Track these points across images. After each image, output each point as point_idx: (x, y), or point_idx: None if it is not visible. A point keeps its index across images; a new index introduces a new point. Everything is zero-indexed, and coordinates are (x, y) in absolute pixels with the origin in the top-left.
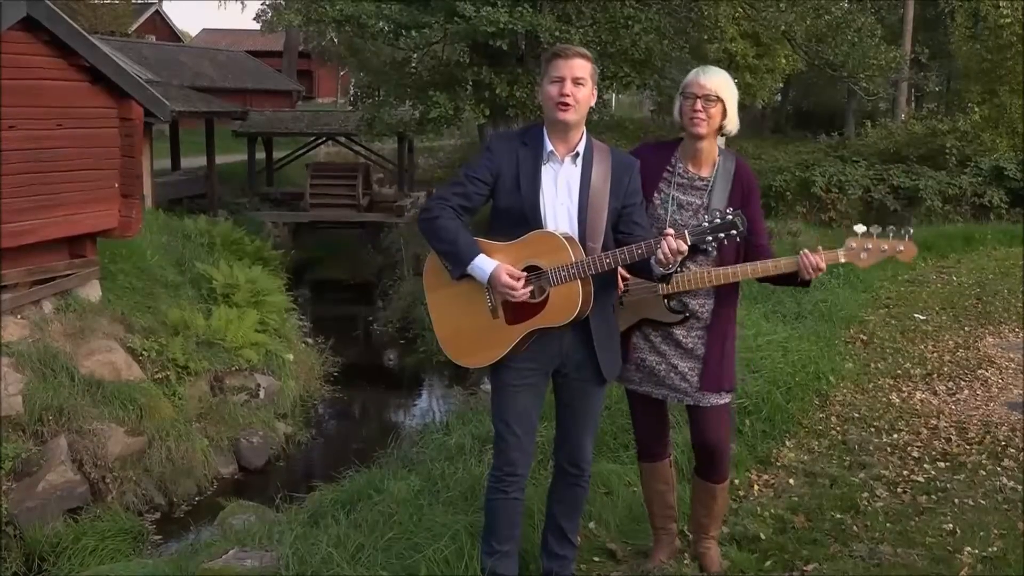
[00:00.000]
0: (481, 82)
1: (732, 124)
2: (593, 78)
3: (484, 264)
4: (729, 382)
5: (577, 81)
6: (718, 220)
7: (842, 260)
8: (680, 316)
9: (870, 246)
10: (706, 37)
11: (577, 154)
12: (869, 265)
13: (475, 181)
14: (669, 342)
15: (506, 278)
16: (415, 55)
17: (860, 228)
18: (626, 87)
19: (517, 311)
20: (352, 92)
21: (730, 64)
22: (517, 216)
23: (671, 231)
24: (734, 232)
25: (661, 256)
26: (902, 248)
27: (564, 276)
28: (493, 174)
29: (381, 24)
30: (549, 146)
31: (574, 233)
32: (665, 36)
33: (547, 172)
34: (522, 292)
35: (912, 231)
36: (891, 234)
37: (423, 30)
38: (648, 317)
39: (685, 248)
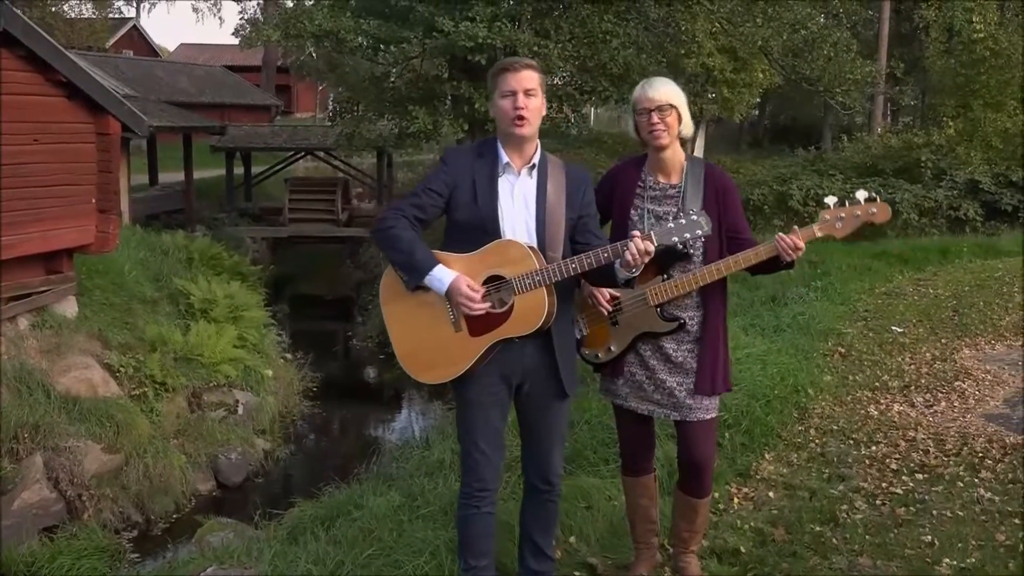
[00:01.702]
0: (460, 96)
1: (687, 127)
2: (542, 87)
3: (443, 275)
4: (723, 384)
5: (528, 93)
6: (682, 220)
7: (818, 234)
8: (675, 324)
9: (843, 215)
10: (684, 52)
11: (533, 166)
12: (846, 233)
13: (430, 193)
14: (659, 356)
15: (466, 289)
16: (394, 70)
17: (831, 199)
18: (604, 101)
19: (481, 322)
20: (331, 107)
21: (708, 79)
22: (475, 228)
23: (637, 232)
24: (699, 232)
25: (629, 258)
26: (875, 210)
27: (529, 284)
28: (449, 186)
29: (360, 39)
30: (505, 158)
31: (533, 244)
32: (643, 51)
33: (504, 184)
34: (479, 307)
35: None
36: (862, 199)
37: (402, 45)
38: (645, 330)
39: (652, 249)
